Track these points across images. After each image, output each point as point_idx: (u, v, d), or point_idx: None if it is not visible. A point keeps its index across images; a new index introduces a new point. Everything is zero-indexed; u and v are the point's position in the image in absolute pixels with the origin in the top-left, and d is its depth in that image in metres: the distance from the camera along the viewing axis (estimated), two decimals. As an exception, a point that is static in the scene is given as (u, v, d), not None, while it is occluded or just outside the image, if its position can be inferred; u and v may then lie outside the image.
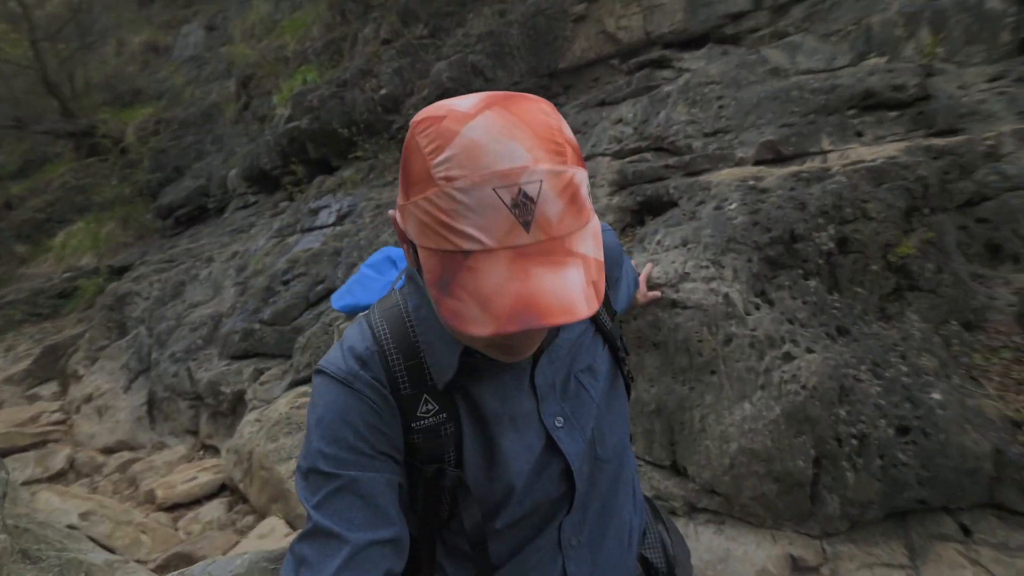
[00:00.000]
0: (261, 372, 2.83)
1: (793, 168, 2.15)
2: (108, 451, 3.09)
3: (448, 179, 0.48)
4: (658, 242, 2.08)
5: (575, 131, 3.46)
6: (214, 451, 2.85)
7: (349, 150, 4.82)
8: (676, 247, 2.00)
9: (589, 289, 0.50)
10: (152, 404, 3.17)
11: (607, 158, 2.89)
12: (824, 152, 2.36)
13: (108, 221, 7.25)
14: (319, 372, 0.67)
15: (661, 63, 3.61)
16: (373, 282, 0.81)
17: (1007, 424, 1.61)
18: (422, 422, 0.65)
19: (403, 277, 0.75)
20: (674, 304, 1.85)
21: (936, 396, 1.58)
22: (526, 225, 0.48)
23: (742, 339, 1.73)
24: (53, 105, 8.53)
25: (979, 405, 1.61)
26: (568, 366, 0.74)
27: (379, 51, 4.95)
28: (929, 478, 1.51)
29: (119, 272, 5.77)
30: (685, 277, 1.88)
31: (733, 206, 2.02)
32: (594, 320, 0.78)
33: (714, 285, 1.83)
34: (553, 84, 4.01)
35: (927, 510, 1.55)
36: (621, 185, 2.63)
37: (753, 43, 3.43)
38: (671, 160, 2.55)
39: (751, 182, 2.10)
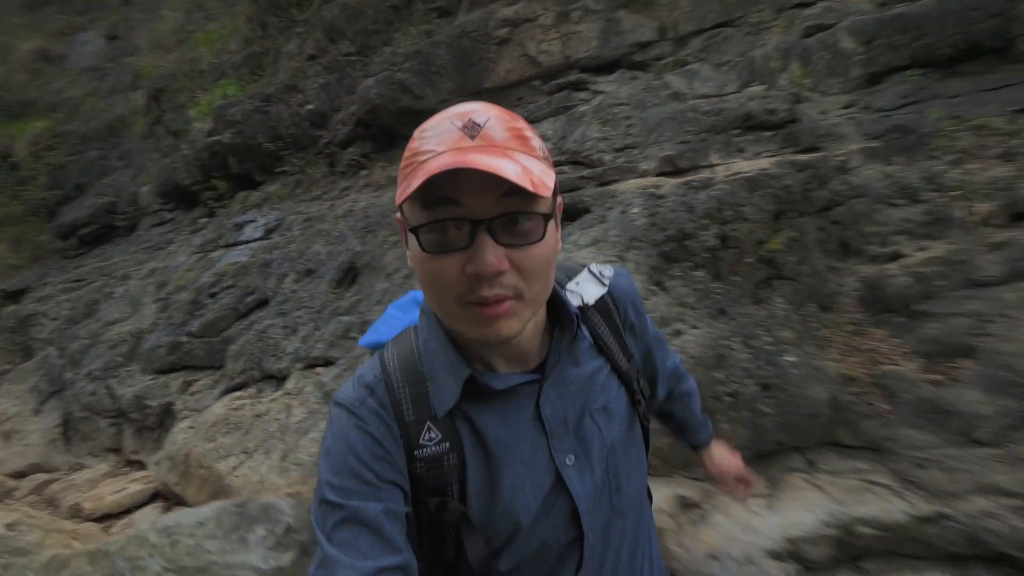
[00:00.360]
0: (190, 383, 2.80)
1: (686, 178, 2.51)
2: (19, 475, 2.88)
3: (422, 130, 0.60)
4: (573, 242, 2.36)
5: (499, 146, 3.72)
6: (140, 466, 2.75)
7: (274, 164, 4.81)
8: (589, 245, 2.28)
9: (525, 173, 0.56)
10: (68, 424, 2.99)
11: (528, 170, 3.16)
12: (713, 165, 2.77)
13: (-2, 242, 6.64)
14: (332, 404, 0.71)
15: (578, 85, 3.98)
16: (398, 321, 0.84)
17: (843, 379, 2.00)
18: (424, 450, 0.67)
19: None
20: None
21: (790, 359, 1.94)
22: (471, 136, 0.57)
23: (645, 321, 2.03)
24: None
25: (823, 366, 2.00)
26: (582, 403, 0.74)
27: (304, 67, 5.00)
28: (784, 424, 1.86)
29: (13, 296, 5.32)
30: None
31: (636, 210, 2.34)
32: (609, 359, 0.79)
33: (621, 277, 2.12)
34: (478, 102, 4.26)
35: (783, 450, 1.89)
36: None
37: (658, 69, 3.86)
38: (586, 172, 2.86)
39: (651, 190, 2.43)
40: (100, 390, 3.01)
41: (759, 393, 1.90)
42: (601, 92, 3.72)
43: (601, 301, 0.80)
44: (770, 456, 1.93)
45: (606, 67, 3.97)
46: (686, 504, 1.88)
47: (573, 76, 3.96)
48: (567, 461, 0.71)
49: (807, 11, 3.44)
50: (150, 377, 2.95)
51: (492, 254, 0.58)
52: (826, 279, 2.47)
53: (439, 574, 0.73)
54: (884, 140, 2.78)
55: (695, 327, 2.00)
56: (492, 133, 0.58)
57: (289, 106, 4.77)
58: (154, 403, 2.80)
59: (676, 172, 2.76)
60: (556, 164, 3.12)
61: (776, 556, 1.71)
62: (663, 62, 3.85)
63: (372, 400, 0.68)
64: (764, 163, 2.61)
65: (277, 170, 4.81)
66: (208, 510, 1.54)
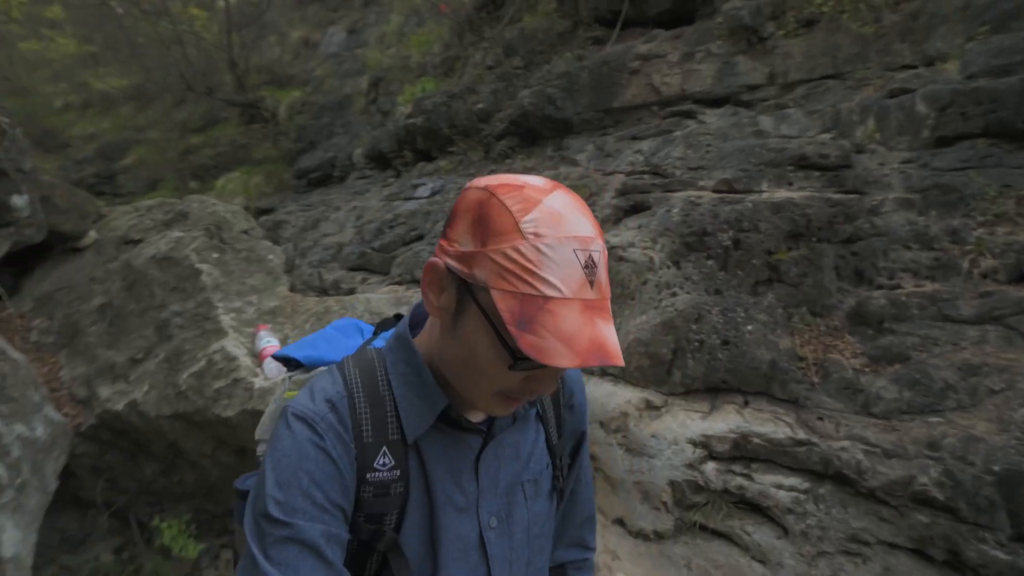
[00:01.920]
0: (367, 279, 4.31)
1: (722, 195, 3.31)
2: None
3: (537, 235, 0.57)
4: (627, 225, 3.32)
5: (607, 155, 4.71)
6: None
7: (447, 146, 6.32)
8: (634, 228, 3.23)
9: (617, 341, 0.60)
10: (292, 290, 4.79)
11: (621, 174, 4.13)
12: (761, 192, 3.48)
13: (256, 174, 9.28)
14: (285, 413, 0.67)
15: (688, 114, 4.79)
16: (339, 342, 0.83)
17: (793, 356, 2.70)
18: (377, 474, 0.67)
19: (377, 341, 0.81)
20: (621, 259, 3.09)
21: (750, 328, 2.71)
22: (591, 284, 0.58)
23: (652, 283, 2.94)
24: (230, 80, 10.85)
25: (779, 342, 2.72)
26: (516, 471, 0.77)
27: (483, 74, 6.44)
28: (733, 370, 2.65)
29: (264, 211, 7.63)
30: (632, 244, 3.11)
31: (675, 211, 3.22)
32: (546, 431, 0.82)
33: (647, 252, 3.05)
34: (606, 118, 5.28)
35: (727, 388, 2.69)
36: (623, 192, 3.86)
37: (760, 109, 4.52)
38: (658, 180, 3.76)
39: (693, 199, 3.28)
40: (315, 274, 4.67)
41: (719, 345, 2.71)
42: (704, 122, 4.50)
43: None
44: (717, 391, 2.74)
45: (716, 102, 4.71)
46: (650, 406, 2.78)
47: (686, 106, 4.78)
48: (490, 523, 0.73)
49: (900, 75, 3.86)
50: (345, 271, 4.53)
51: (557, 380, 0.65)
52: (829, 294, 3.09)
53: None
54: (924, 194, 3.23)
55: (688, 293, 2.86)
56: (602, 279, 0.60)
57: (466, 103, 6.23)
58: (344, 286, 4.36)
59: (729, 192, 3.53)
60: (640, 173, 4.04)
61: (693, 443, 2.56)
62: (766, 103, 4.49)
63: (332, 416, 0.67)
64: (798, 195, 3.29)
65: (448, 150, 6.32)
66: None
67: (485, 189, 0.62)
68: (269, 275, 2.65)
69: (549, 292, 0.56)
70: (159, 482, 2.30)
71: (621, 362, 0.57)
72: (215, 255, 2.51)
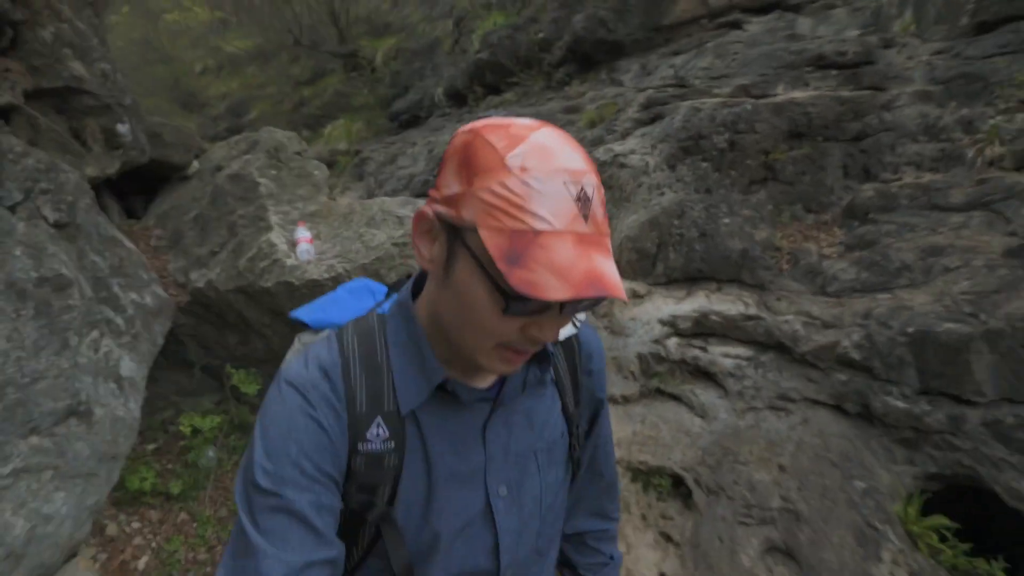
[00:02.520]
0: (427, 200, 5.07)
1: (722, 99, 3.44)
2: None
3: (524, 168, 0.54)
4: (635, 135, 3.60)
5: (648, 73, 4.82)
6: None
7: (511, 78, 6.69)
8: (639, 137, 3.51)
9: (619, 278, 0.55)
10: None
11: (652, 89, 4.30)
12: (776, 95, 3.52)
13: (358, 120, 10.37)
14: (279, 378, 0.66)
15: (735, 24, 4.70)
16: (348, 305, 0.82)
17: (769, 246, 2.91)
18: (369, 445, 0.66)
19: (386, 305, 0.78)
20: (622, 166, 3.41)
21: (726, 221, 2.96)
22: (585, 217, 0.55)
23: (645, 185, 3.26)
24: (333, 33, 11.95)
25: (756, 234, 2.94)
26: (529, 440, 0.75)
27: (546, 4, 6.62)
28: (708, 259, 2.95)
29: (357, 153, 8.70)
30: (634, 151, 3.42)
31: (678, 118, 3.43)
32: (562, 399, 0.80)
33: (644, 157, 3.35)
34: (656, 36, 5.30)
35: (703, 277, 2.99)
36: (646, 106, 4.07)
37: (811, 11, 4.33)
38: (678, 91, 3.91)
39: (697, 105, 3.46)
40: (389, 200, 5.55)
41: (697, 237, 3.02)
42: (746, 31, 4.42)
43: (568, 341, 0.82)
44: (695, 280, 3.06)
45: (764, 9, 4.55)
46: (635, 295, 3.19)
47: (733, 16, 4.68)
48: (499, 491, 0.72)
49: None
50: (415, 197, 5.32)
51: (560, 327, 0.60)
52: (830, 192, 3.18)
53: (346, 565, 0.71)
54: (947, 85, 3.07)
55: (676, 192, 3.15)
56: (596, 213, 0.56)
57: (528, 34, 6.51)
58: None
59: (746, 97, 3.61)
60: (665, 87, 4.17)
61: (662, 323, 2.96)
62: (816, 4, 4.27)
63: (325, 385, 0.66)
64: (804, 95, 3.30)
65: (511, 81, 6.70)
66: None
67: (471, 131, 0.60)
68: (313, 187, 3.40)
69: (539, 225, 0.54)
70: (240, 349, 3.23)
71: (622, 295, 0.54)
72: (272, 172, 3.29)
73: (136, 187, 3.56)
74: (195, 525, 2.68)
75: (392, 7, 13.94)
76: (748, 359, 2.64)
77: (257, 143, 3.46)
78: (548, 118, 5.49)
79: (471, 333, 0.61)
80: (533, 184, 0.54)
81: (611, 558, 0.99)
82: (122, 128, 2.92)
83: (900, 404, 2.13)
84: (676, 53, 4.67)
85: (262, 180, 3.18)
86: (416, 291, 0.74)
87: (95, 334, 2.27)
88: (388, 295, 0.83)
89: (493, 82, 7.12)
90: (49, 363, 2.00)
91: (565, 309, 0.59)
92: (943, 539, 1.89)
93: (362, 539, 0.70)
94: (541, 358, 0.74)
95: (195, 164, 3.66)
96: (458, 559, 0.71)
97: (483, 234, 0.55)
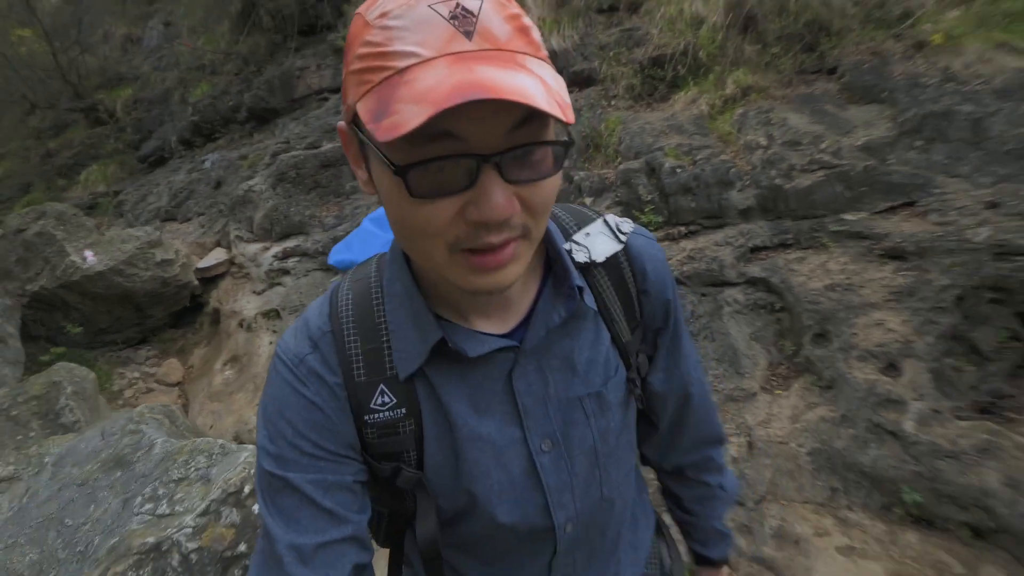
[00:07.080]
0: (168, 224, 8.35)
1: (303, 149, 7.47)
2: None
3: (383, 15, 0.46)
4: (259, 172, 7.44)
5: (288, 127, 8.65)
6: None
7: (219, 131, 10.00)
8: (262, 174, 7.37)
9: (548, 92, 0.44)
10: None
11: (281, 142, 8.15)
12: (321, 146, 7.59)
13: (111, 164, 12.57)
14: (276, 350, 0.63)
15: (326, 99, 8.73)
16: (373, 238, 0.77)
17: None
18: (376, 415, 0.61)
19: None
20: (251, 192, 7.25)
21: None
22: (467, 35, 0.44)
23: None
24: (67, 88, 13.64)
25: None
26: (572, 385, 0.67)
27: (232, 80, 10.03)
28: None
29: (115, 194, 11.18)
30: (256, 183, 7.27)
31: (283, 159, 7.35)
32: (611, 331, 0.69)
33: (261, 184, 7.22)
34: (292, 105, 9.14)
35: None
36: (275, 154, 7.90)
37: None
38: (295, 143, 7.82)
39: (291, 153, 7.42)
40: (135, 229, 8.61)
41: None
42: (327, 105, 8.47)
43: (613, 259, 0.70)
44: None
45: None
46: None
47: (325, 95, 8.69)
48: (542, 447, 0.66)
49: None
50: (160, 222, 8.51)
51: (503, 196, 0.47)
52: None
53: (401, 521, 0.71)
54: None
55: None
56: (490, 27, 0.45)
57: (224, 101, 9.87)
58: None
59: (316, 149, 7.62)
60: (286, 140, 8.06)
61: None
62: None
63: (314, 357, 0.62)
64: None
65: (220, 132, 10.03)
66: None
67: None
68: (88, 230, 6.63)
69: (404, 63, 0.44)
70: (64, 322, 6.46)
71: (529, 99, 0.41)
72: (62, 227, 6.45)
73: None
74: None
75: (122, 55, 15.64)
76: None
77: (45, 212, 6.54)
78: (241, 160, 9.01)
79: (419, 252, 0.53)
80: (392, 23, 0.45)
81: (721, 488, 0.91)
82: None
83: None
84: (296, 118, 8.55)
85: (57, 232, 6.35)
86: None
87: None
88: None
89: (208, 132, 10.38)
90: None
91: (483, 175, 0.45)
92: None
93: (408, 503, 0.68)
94: (558, 277, 0.64)
95: (-5, 230, 6.57)
96: (506, 517, 0.67)
97: (360, 109, 0.47)
